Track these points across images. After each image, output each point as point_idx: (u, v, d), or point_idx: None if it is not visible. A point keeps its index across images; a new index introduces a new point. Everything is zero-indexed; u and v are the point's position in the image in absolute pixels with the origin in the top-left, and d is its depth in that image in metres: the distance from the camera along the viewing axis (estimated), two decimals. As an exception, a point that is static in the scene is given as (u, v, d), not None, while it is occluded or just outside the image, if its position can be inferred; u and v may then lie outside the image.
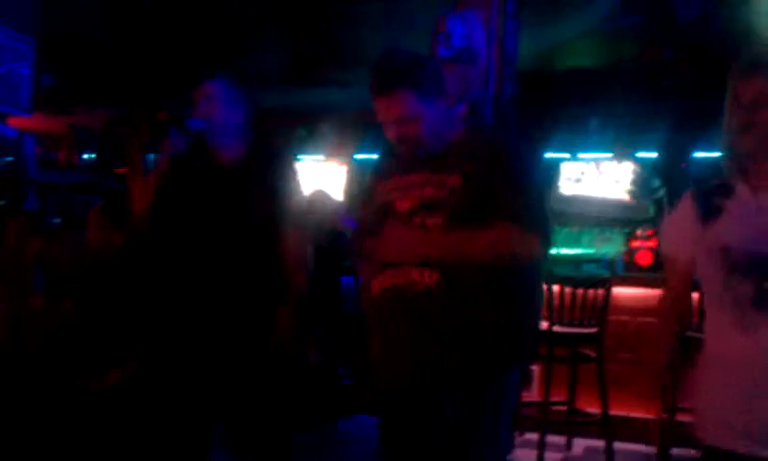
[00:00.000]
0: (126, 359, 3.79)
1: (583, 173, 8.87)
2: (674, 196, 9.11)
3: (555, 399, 5.10)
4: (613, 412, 5.02)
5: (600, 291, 5.01)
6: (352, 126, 9.87)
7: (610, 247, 8.57)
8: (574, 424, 5.37)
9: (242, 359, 3.32)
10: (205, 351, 3.33)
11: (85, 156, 10.08)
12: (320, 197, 6.41)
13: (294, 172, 3.58)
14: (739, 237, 2.16)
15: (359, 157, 10.02)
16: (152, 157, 9.03)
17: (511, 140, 2.67)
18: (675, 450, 4.94)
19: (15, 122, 7.12)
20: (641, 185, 8.71)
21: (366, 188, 2.87)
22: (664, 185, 8.97)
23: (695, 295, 4.85)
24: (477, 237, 2.49)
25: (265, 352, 3.30)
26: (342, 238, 6.24)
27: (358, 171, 9.61)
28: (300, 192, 3.60)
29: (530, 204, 2.54)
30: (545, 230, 2.57)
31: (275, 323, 3.31)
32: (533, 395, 5.33)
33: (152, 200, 3.36)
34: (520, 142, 2.69)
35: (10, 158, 7.76)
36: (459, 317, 2.49)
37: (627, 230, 8.06)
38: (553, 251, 2.67)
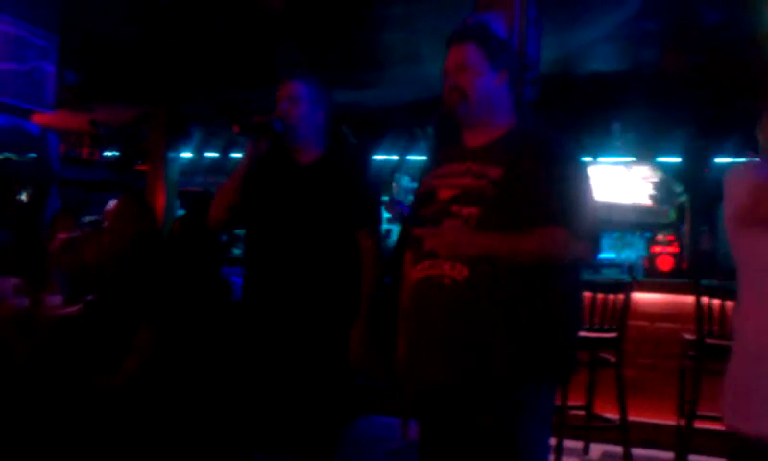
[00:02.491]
0: (132, 356, 3.80)
1: (604, 177, 8.85)
2: (696, 201, 9.10)
3: (573, 403, 5.08)
4: (632, 417, 4.99)
5: (620, 296, 4.99)
6: (372, 126, 9.89)
7: (630, 252, 8.55)
8: (592, 429, 5.34)
9: (312, 367, 3.19)
10: (272, 354, 3.22)
11: (107, 153, 10.14)
12: None
13: (370, 172, 3.53)
14: None
15: (378, 157, 10.04)
16: (172, 154, 9.11)
17: (561, 140, 2.63)
18: (693, 457, 4.91)
19: (39, 119, 7.18)
20: (663, 190, 8.69)
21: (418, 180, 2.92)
22: (686, 191, 8.94)
23: (716, 302, 4.85)
24: (524, 239, 2.46)
25: (338, 363, 3.19)
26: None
27: (377, 171, 9.62)
28: (378, 194, 3.56)
29: (581, 207, 2.50)
30: (595, 236, 2.54)
31: (351, 334, 3.20)
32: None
33: (232, 202, 3.29)
34: (570, 144, 2.65)
35: (33, 154, 7.83)
36: (482, 316, 2.45)
37: (648, 235, 8.04)
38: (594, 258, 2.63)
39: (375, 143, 10.00)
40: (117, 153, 10.20)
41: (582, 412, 5.28)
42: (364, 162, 3.56)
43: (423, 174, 2.87)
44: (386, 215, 8.25)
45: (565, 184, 2.50)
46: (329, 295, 3.23)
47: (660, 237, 7.31)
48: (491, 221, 2.48)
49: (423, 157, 3.09)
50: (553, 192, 2.47)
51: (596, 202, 2.61)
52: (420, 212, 2.67)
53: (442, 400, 2.57)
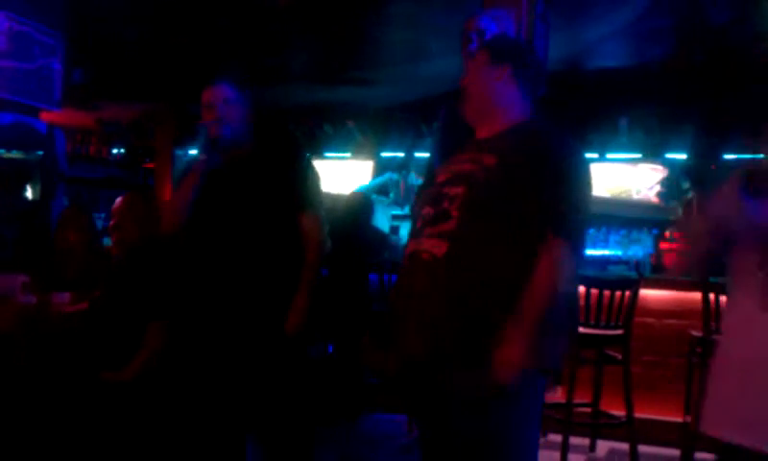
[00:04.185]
0: (141, 352, 3.82)
1: (611, 174, 8.84)
2: (703, 198, 9.07)
3: (579, 400, 5.07)
4: (638, 414, 4.99)
5: (627, 293, 4.98)
6: (378, 123, 9.89)
7: (638, 248, 8.53)
8: (598, 426, 5.34)
9: (259, 345, 3.42)
10: (223, 337, 3.45)
11: (115, 150, 10.15)
12: (358, 198, 6.48)
13: (306, 160, 3.69)
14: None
15: (385, 154, 10.04)
16: (179, 152, 9.11)
17: (561, 137, 2.63)
18: (699, 455, 4.90)
19: (46, 116, 7.20)
20: (670, 187, 8.67)
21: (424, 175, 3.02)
22: (694, 187, 8.92)
23: (723, 298, 4.84)
24: (534, 296, 2.42)
25: (281, 337, 3.39)
26: (370, 234, 6.27)
27: (383, 168, 9.62)
28: (316, 179, 3.68)
29: (572, 208, 2.50)
30: (580, 237, 2.54)
31: (290, 306, 3.40)
32: (557, 396, 5.31)
33: (185, 214, 3.54)
34: (570, 141, 2.65)
35: (40, 152, 7.85)
36: (459, 292, 2.44)
37: (655, 232, 8.02)
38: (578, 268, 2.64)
39: (382, 140, 10.01)
40: (124, 150, 10.20)
41: (588, 409, 5.28)
42: (298, 148, 3.82)
43: (430, 169, 2.92)
44: (393, 212, 8.25)
45: (558, 183, 2.50)
46: (270, 279, 3.44)
47: (667, 234, 7.28)
48: (475, 202, 2.50)
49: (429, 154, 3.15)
50: (544, 189, 2.47)
51: (589, 200, 2.61)
52: (418, 195, 2.80)
53: (417, 373, 2.55)
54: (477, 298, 2.44)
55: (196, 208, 3.52)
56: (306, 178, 3.58)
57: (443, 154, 2.97)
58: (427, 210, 2.59)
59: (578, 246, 2.52)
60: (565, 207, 2.49)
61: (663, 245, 7.22)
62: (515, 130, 2.67)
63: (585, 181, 2.60)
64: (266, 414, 3.49)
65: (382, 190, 8.68)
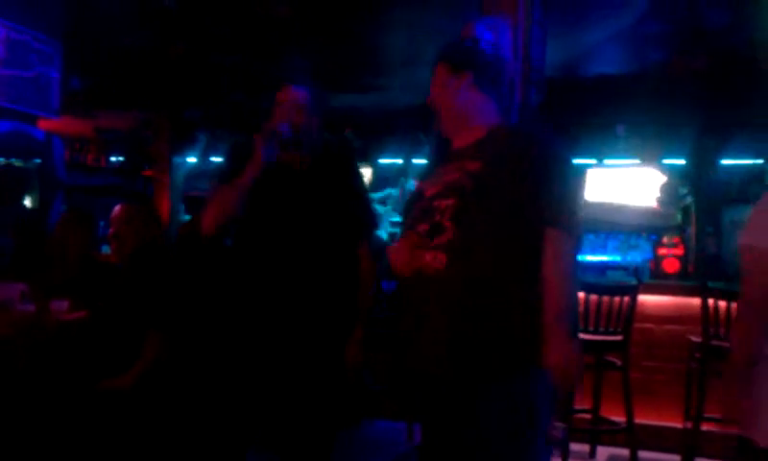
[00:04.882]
0: (140, 361, 3.81)
1: (609, 180, 8.84)
2: (701, 203, 9.09)
3: (579, 406, 5.07)
4: (638, 420, 4.99)
5: (626, 298, 4.98)
6: (376, 130, 9.90)
7: (636, 254, 8.54)
8: (598, 432, 5.33)
9: (307, 375, 3.16)
10: (267, 361, 3.17)
11: (113, 158, 10.15)
12: None
13: (363, 178, 3.49)
14: None
15: (383, 161, 10.04)
16: (178, 159, 9.11)
17: (547, 140, 2.64)
18: (699, 460, 4.90)
19: (44, 125, 7.20)
20: (669, 193, 8.67)
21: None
22: (692, 193, 8.92)
23: (722, 304, 4.84)
24: (557, 284, 2.44)
25: (334, 373, 3.18)
26: (373, 246, 6.27)
27: (382, 174, 9.62)
28: (370, 198, 3.50)
29: (566, 206, 2.50)
30: (578, 233, 2.54)
31: (348, 344, 3.19)
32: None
33: (233, 212, 3.18)
34: (554, 140, 2.65)
35: (38, 160, 7.85)
36: (463, 303, 2.46)
37: (654, 238, 8.02)
38: (578, 258, 2.64)
39: (380, 147, 10.02)
40: (123, 158, 10.21)
41: (588, 415, 5.28)
42: (356, 164, 3.52)
43: (420, 180, 2.90)
44: (392, 219, 8.25)
45: (549, 183, 2.49)
46: (329, 301, 3.19)
47: (666, 240, 7.28)
48: (467, 212, 2.50)
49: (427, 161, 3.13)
50: (535, 191, 2.48)
51: (581, 201, 2.62)
52: (408, 213, 2.73)
53: (434, 387, 2.58)
54: (491, 305, 2.46)
55: (253, 209, 3.19)
56: (365, 199, 3.36)
57: (438, 161, 2.96)
58: (422, 227, 2.59)
59: (577, 236, 2.53)
60: (558, 199, 2.49)
61: (661, 250, 7.22)
62: (492, 134, 2.67)
63: (571, 173, 2.60)
64: (300, 437, 3.22)
65: (381, 202, 8.70)
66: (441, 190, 2.60)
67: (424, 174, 2.94)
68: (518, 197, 2.48)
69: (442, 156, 2.82)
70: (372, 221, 3.38)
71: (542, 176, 2.50)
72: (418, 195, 2.72)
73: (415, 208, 2.69)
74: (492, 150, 2.59)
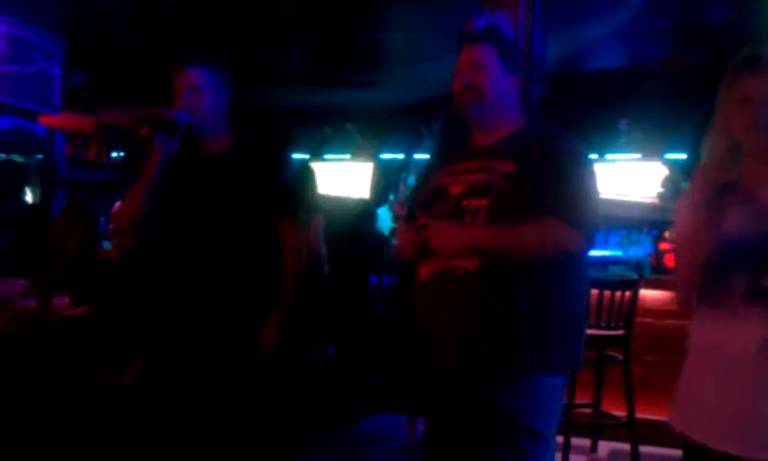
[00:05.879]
0: (139, 357, 3.81)
1: (611, 174, 8.83)
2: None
3: (580, 400, 5.07)
4: (639, 415, 4.98)
5: (627, 293, 4.98)
6: (377, 125, 9.90)
7: (637, 249, 8.53)
8: (599, 427, 5.33)
9: (230, 357, 3.11)
10: (193, 347, 3.14)
11: (114, 154, 10.15)
12: (361, 203, 6.51)
13: (290, 160, 3.43)
14: (738, 232, 2.18)
15: (384, 156, 10.04)
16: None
17: (567, 137, 2.66)
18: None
19: (46, 120, 7.21)
20: (670, 187, 8.66)
21: (419, 177, 2.93)
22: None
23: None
24: (520, 228, 2.49)
25: (254, 352, 3.09)
26: (372, 238, 6.29)
27: (383, 170, 9.62)
28: (300, 180, 3.50)
29: (579, 199, 2.54)
30: (590, 228, 2.58)
31: (265, 326, 3.11)
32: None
33: (145, 206, 3.17)
34: (575, 140, 2.68)
35: (40, 156, 7.86)
36: (495, 304, 2.50)
37: (655, 233, 8.01)
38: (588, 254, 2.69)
39: (381, 142, 10.01)
40: (124, 154, 10.20)
41: (589, 410, 5.28)
42: (281, 148, 3.42)
43: (429, 172, 2.89)
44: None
45: (567, 178, 2.55)
46: (248, 289, 3.13)
47: (667, 234, 7.27)
48: (500, 212, 2.52)
49: (428, 156, 3.10)
50: (555, 186, 2.52)
51: (598, 197, 2.66)
52: (430, 209, 2.69)
53: (454, 386, 2.60)
54: (526, 306, 2.51)
55: (160, 204, 3.18)
56: (286, 179, 3.26)
57: (442, 157, 2.95)
58: None
59: (589, 238, 2.60)
60: (576, 199, 2.54)
61: (663, 245, 7.22)
62: (520, 134, 2.70)
63: (593, 177, 2.67)
64: (220, 437, 3.14)
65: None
66: (470, 189, 2.60)
67: (432, 166, 2.94)
68: (543, 199, 2.51)
69: (456, 150, 2.82)
70: (291, 202, 3.26)
71: (571, 179, 2.56)
72: (439, 191, 2.71)
73: (439, 205, 2.67)
74: (520, 151, 2.61)
